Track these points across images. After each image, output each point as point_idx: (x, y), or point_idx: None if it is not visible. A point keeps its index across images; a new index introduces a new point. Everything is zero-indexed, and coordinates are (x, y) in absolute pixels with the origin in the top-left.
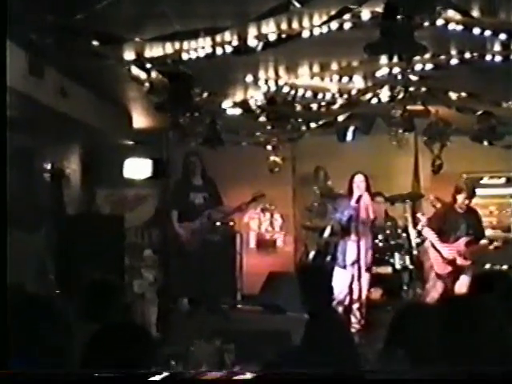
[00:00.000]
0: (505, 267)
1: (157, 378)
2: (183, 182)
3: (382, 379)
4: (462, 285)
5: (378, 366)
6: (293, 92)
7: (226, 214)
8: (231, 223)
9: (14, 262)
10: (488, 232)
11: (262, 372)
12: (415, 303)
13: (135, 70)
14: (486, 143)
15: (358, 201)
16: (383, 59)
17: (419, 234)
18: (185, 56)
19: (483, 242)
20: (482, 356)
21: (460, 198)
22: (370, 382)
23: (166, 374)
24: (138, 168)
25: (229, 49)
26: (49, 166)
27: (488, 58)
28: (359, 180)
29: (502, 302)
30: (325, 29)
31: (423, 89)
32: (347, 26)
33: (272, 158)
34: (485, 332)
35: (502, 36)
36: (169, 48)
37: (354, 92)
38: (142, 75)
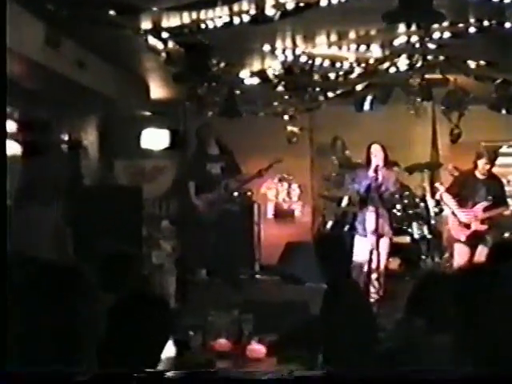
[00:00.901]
0: None
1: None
2: (199, 153)
3: (388, 378)
4: (482, 251)
5: (395, 335)
6: (310, 61)
7: (244, 182)
8: (249, 193)
9: (33, 233)
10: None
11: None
12: (435, 272)
13: (152, 40)
14: (504, 112)
15: (375, 170)
16: (401, 28)
17: (437, 203)
18: (202, 26)
19: (502, 207)
20: (499, 327)
21: (481, 163)
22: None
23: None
24: (155, 139)
25: (246, 18)
26: (66, 137)
27: (507, 25)
28: (376, 150)
29: None
30: None
31: (441, 57)
32: None
33: (290, 128)
34: (503, 302)
35: None
36: (186, 18)
37: (371, 61)
38: (159, 45)
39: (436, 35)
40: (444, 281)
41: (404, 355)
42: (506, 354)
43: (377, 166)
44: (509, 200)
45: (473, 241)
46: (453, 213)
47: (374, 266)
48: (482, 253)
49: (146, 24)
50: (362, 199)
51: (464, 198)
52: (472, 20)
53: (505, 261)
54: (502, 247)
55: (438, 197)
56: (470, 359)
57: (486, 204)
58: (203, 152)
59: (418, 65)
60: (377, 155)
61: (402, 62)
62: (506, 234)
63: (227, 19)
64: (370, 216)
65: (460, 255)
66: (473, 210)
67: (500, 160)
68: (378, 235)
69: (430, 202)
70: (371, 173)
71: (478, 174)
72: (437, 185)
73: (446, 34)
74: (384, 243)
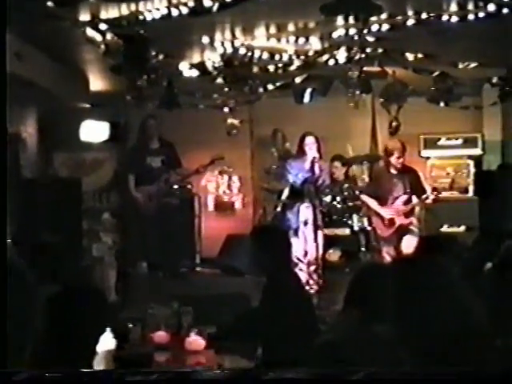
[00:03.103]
0: (462, 228)
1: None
2: (140, 146)
3: (381, 379)
4: (409, 244)
5: (335, 327)
6: (249, 54)
7: (184, 177)
8: (189, 186)
9: None
10: (444, 193)
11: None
12: (372, 264)
13: (90, 32)
14: (442, 104)
15: (312, 163)
16: (339, 20)
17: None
18: (140, 17)
19: (422, 197)
20: (435, 318)
21: (393, 159)
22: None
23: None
24: (95, 131)
25: (184, 10)
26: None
27: (444, 18)
28: (310, 142)
29: (451, 263)
30: None
31: (380, 50)
32: None
33: (229, 120)
34: (437, 292)
35: None
36: (124, 9)
37: (310, 53)
38: (98, 37)
39: (374, 27)
40: (381, 272)
41: (343, 347)
42: (443, 344)
43: (313, 159)
44: (448, 192)
45: (398, 234)
46: (375, 212)
47: (312, 257)
48: (409, 243)
49: (84, 16)
50: (299, 191)
51: (383, 196)
52: (410, 12)
53: (435, 253)
54: (431, 240)
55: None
56: (408, 350)
57: (405, 197)
58: (144, 145)
59: (357, 57)
60: (312, 148)
61: (341, 55)
62: (445, 227)
63: (165, 11)
64: (306, 208)
65: (389, 249)
66: (394, 206)
67: (438, 152)
68: (316, 227)
69: None
70: (308, 165)
71: (392, 170)
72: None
73: (384, 27)
74: (321, 235)
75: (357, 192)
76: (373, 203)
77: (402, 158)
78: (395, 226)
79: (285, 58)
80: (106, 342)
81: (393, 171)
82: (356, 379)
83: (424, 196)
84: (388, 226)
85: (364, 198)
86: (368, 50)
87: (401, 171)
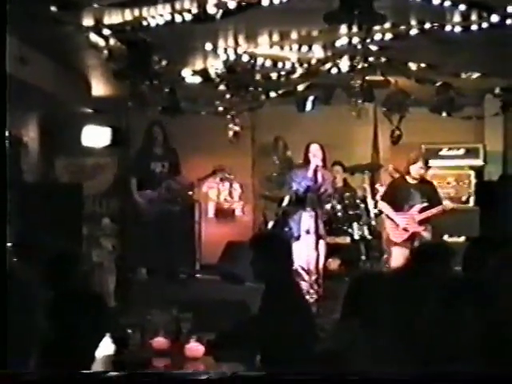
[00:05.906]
0: (462, 238)
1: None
2: (144, 151)
3: (379, 379)
4: None
5: (334, 336)
6: (252, 61)
7: (185, 187)
8: (190, 193)
9: None
10: (445, 203)
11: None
12: (371, 273)
13: (94, 37)
14: (444, 114)
15: (315, 171)
16: (343, 29)
17: (377, 204)
18: (144, 23)
19: (437, 207)
20: (432, 326)
21: (415, 168)
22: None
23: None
24: (96, 136)
25: (188, 16)
26: (7, 134)
27: (448, 28)
28: (315, 149)
29: (443, 272)
30: None
31: (383, 59)
32: None
33: (231, 127)
34: (435, 301)
35: (462, 7)
36: (128, 15)
37: (313, 61)
38: (101, 42)
39: (377, 37)
40: (379, 281)
41: (342, 355)
42: (442, 352)
43: (316, 167)
44: (449, 202)
45: (411, 243)
46: (389, 217)
47: (312, 266)
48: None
49: (88, 21)
50: (301, 200)
51: (399, 204)
52: (413, 22)
53: (425, 262)
54: (421, 249)
55: (375, 200)
56: (407, 357)
57: (421, 206)
58: (149, 150)
59: (360, 66)
60: (316, 155)
61: (344, 63)
62: (445, 237)
63: (169, 17)
64: (309, 217)
65: (397, 258)
66: (409, 213)
67: (440, 162)
68: (317, 236)
69: (371, 203)
70: (311, 173)
71: (409, 179)
72: (377, 186)
73: (388, 36)
74: (323, 244)
75: (357, 201)
76: (388, 209)
77: (425, 169)
78: (408, 232)
79: (287, 65)
80: (105, 347)
81: (410, 181)
82: (354, 379)
83: (440, 206)
84: (401, 232)
85: (380, 204)
86: (371, 59)
87: (419, 181)
